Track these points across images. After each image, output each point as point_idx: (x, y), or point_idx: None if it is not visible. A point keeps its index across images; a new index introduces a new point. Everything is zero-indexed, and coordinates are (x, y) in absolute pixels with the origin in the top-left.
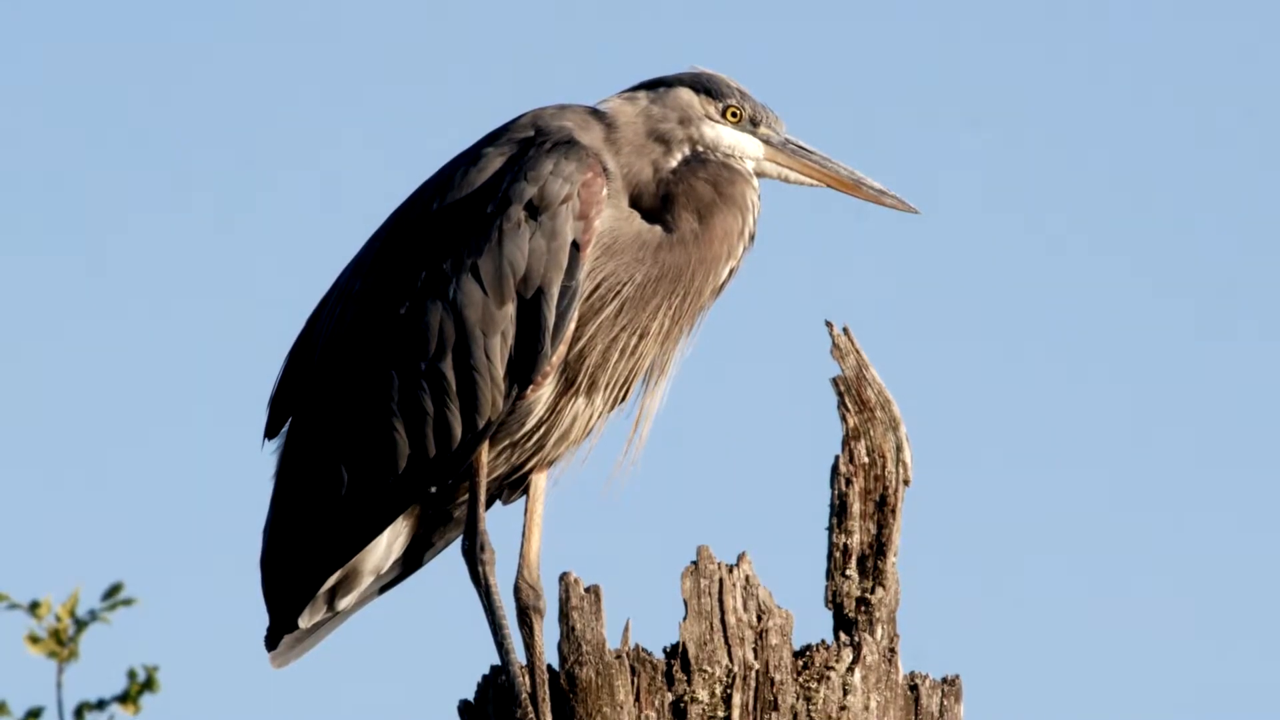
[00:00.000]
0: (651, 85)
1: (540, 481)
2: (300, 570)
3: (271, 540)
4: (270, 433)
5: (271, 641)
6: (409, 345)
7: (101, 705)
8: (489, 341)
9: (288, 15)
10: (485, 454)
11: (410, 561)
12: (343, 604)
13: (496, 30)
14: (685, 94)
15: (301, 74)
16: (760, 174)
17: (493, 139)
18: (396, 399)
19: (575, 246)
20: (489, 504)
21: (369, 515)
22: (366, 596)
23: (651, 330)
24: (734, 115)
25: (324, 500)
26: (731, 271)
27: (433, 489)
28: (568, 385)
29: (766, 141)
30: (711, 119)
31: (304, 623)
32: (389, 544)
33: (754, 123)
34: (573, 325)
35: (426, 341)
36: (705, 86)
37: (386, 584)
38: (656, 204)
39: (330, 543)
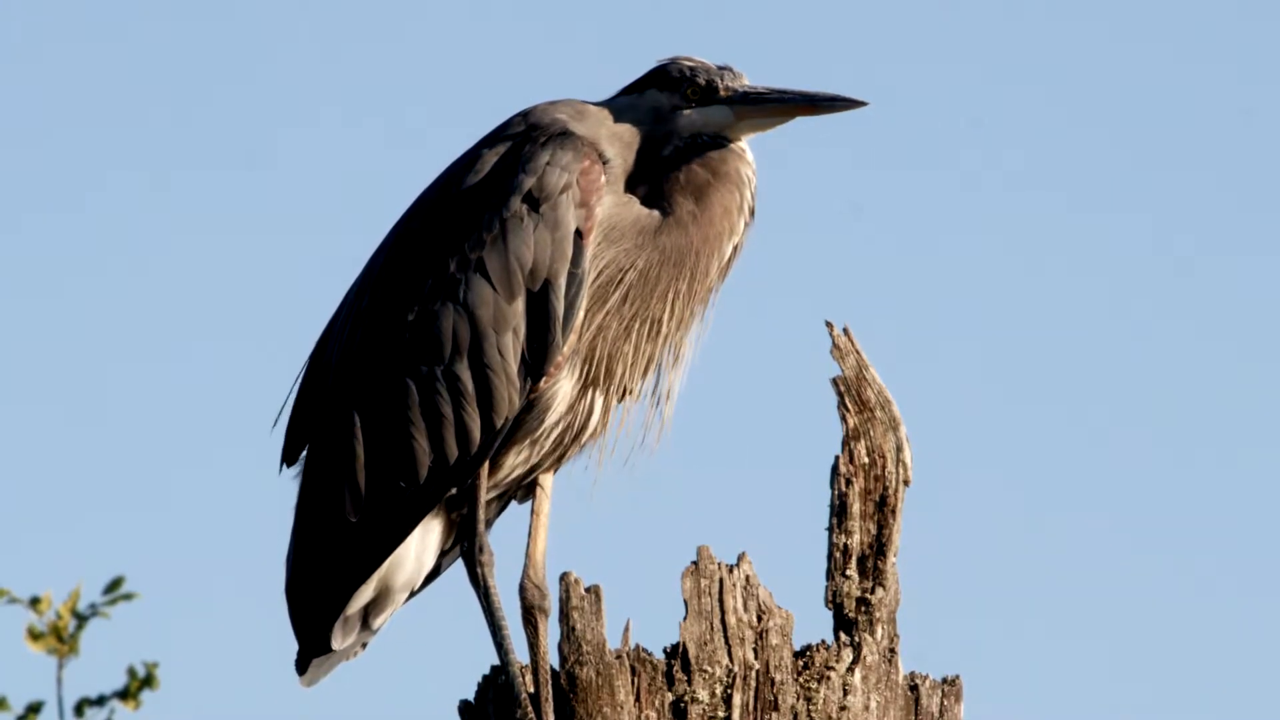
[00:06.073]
0: (625, 95)
1: (548, 481)
2: (325, 590)
3: (295, 564)
4: (288, 459)
5: (301, 666)
6: (423, 351)
7: (102, 701)
8: (501, 339)
9: (287, 18)
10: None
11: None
12: (378, 623)
13: (495, 32)
14: (653, 96)
15: (295, 79)
16: (741, 136)
17: (488, 140)
18: (414, 407)
19: (578, 234)
20: (504, 506)
21: (389, 526)
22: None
23: (664, 317)
24: (694, 93)
25: (346, 515)
26: (735, 249)
27: (453, 489)
28: (586, 380)
29: (729, 102)
30: (680, 108)
31: (338, 645)
32: (418, 557)
33: (713, 89)
34: (581, 313)
35: (441, 345)
36: (664, 81)
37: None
38: (653, 195)
39: (352, 558)
